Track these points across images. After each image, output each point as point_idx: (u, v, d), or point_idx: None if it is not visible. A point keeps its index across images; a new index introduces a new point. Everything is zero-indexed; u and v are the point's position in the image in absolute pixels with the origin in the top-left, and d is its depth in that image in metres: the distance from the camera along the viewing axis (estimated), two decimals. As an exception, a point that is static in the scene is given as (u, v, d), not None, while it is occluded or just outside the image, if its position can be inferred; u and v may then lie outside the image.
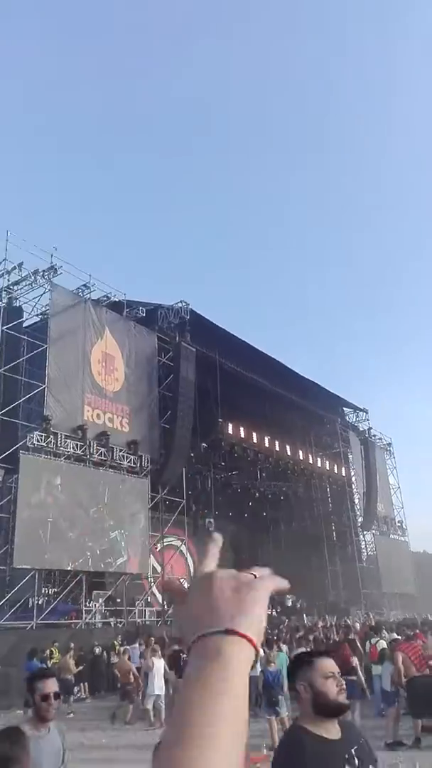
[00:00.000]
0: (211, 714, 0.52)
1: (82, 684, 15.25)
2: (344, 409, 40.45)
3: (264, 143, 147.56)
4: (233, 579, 0.64)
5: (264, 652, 10.77)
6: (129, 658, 15.42)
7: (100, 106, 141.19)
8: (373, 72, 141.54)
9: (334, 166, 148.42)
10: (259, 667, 10.83)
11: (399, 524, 41.38)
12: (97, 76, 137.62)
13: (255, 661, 0.59)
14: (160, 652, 12.67)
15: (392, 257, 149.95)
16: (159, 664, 12.01)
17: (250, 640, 0.58)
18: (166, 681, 12.91)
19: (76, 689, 14.78)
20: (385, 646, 11.34)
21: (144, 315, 24.71)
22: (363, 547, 38.60)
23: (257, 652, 0.59)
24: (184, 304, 26.15)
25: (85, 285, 22.39)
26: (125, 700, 12.09)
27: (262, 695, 9.71)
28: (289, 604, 30.16)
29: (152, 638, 14.52)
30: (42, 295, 21.28)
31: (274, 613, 27.88)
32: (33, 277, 21.21)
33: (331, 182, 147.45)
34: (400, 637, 12.82)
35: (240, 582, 0.64)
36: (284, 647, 12.34)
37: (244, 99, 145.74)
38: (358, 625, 19.96)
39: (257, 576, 0.67)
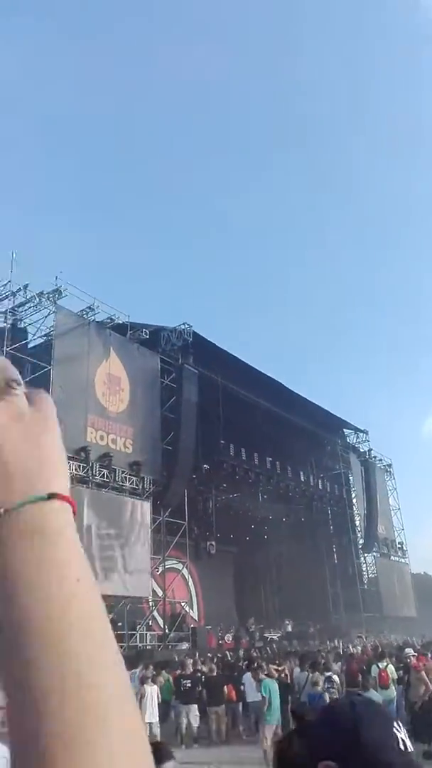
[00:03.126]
0: (81, 641, 0.39)
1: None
2: (345, 430, 40.49)
3: (269, 163, 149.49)
4: (12, 419, 0.47)
5: (308, 673, 10.81)
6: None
7: (107, 129, 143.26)
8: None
9: (343, 190, 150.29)
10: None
11: (399, 546, 41.16)
12: (99, 93, 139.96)
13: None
14: (151, 679, 12.47)
15: (394, 279, 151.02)
16: (151, 691, 11.87)
17: (72, 503, 0.45)
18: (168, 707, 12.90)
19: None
20: (393, 669, 11.38)
21: (147, 337, 24.92)
22: (364, 569, 38.39)
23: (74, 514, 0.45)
24: (186, 326, 26.38)
25: (89, 307, 22.63)
26: None
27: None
28: (290, 629, 29.90)
29: (149, 664, 14.37)
30: (47, 316, 21.54)
31: (275, 637, 27.65)
32: (38, 299, 21.46)
33: (340, 203, 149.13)
34: (414, 654, 12.82)
35: (25, 423, 0.47)
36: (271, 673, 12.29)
37: (250, 115, 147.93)
38: (359, 649, 19.87)
39: (31, 401, 0.50)
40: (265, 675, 11.71)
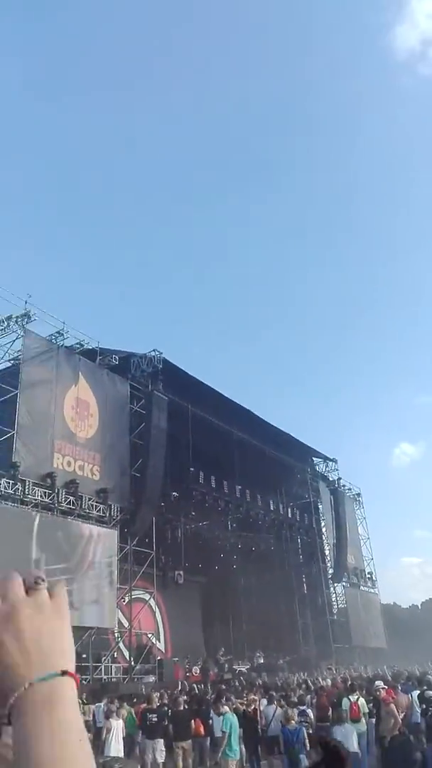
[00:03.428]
0: None
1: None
2: (314, 459, 40.71)
3: (239, 190, 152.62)
4: (35, 610, 0.60)
5: (282, 708, 10.67)
6: (92, 717, 14.81)
7: (83, 156, 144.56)
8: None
9: (304, 207, 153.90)
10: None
11: (369, 576, 41.16)
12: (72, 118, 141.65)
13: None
14: (116, 712, 12.13)
15: (362, 301, 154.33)
16: (116, 725, 11.50)
17: (76, 679, 0.57)
18: (134, 742, 12.45)
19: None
20: (364, 703, 11.23)
21: (117, 363, 24.84)
22: (334, 599, 38.20)
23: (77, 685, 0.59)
24: (156, 353, 26.39)
25: (58, 332, 22.51)
26: None
27: (284, 754, 9.36)
28: (261, 660, 29.41)
29: (111, 699, 13.95)
30: (15, 340, 21.30)
31: (244, 669, 27.13)
32: (6, 323, 21.24)
33: (308, 230, 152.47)
34: (384, 687, 12.69)
35: (44, 613, 0.61)
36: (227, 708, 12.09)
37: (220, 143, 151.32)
38: (329, 681, 19.58)
39: (50, 593, 0.64)
40: (227, 709, 11.48)
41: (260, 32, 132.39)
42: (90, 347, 23.80)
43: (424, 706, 11.05)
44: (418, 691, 12.36)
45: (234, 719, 11.17)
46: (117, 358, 24.98)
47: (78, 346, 23.35)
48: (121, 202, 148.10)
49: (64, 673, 0.56)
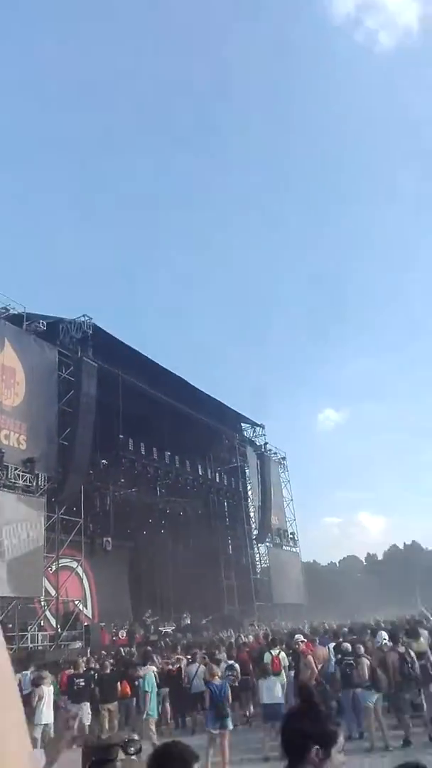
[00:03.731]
0: None
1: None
2: (242, 424, 41.58)
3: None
4: None
5: (206, 665, 11.11)
6: (19, 685, 14.93)
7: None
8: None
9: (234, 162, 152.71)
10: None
11: (291, 536, 42.96)
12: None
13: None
14: (48, 679, 12.34)
15: (285, 257, 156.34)
16: (48, 691, 11.70)
17: None
18: (58, 707, 12.67)
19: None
20: (284, 656, 11.93)
21: (45, 329, 24.11)
22: (257, 559, 39.71)
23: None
24: (86, 318, 25.83)
25: (-18, 296, 21.53)
26: None
27: (208, 709, 9.74)
28: (188, 621, 30.35)
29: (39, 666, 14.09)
30: None
31: (170, 630, 27.94)
32: None
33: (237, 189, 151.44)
34: (303, 641, 13.49)
35: None
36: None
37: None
38: (251, 638, 20.55)
39: None
40: (147, 670, 11.99)
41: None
42: (16, 312, 22.95)
43: (339, 656, 11.90)
44: (334, 643, 13.27)
45: (152, 679, 11.66)
46: (45, 323, 24.22)
47: (3, 311, 22.45)
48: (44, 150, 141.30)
49: None
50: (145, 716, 11.15)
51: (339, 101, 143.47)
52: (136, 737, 2.21)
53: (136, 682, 13.67)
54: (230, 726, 9.61)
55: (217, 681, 10.07)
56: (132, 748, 1.71)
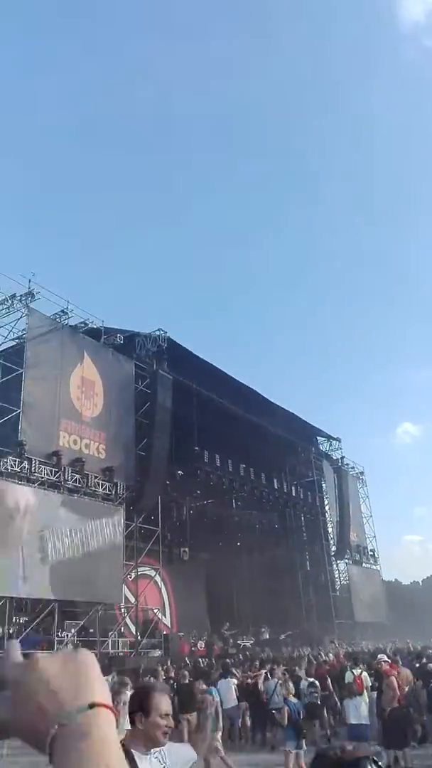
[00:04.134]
0: None
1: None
2: (318, 438, 40.82)
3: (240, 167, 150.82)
4: (55, 659, 0.62)
5: (284, 682, 10.84)
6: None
7: (79, 129, 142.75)
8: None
9: (323, 190, 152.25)
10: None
11: (371, 553, 41.54)
12: (73, 97, 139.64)
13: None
14: (129, 685, 12.35)
15: (367, 281, 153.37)
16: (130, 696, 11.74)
17: (112, 709, 0.59)
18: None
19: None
20: (366, 676, 11.41)
21: (122, 342, 24.80)
22: (336, 576, 38.62)
23: (116, 717, 0.60)
24: (161, 332, 26.34)
25: (62, 311, 22.42)
26: None
27: (286, 728, 9.48)
28: (267, 636, 29.88)
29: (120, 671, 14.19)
30: (19, 319, 21.28)
31: (248, 644, 27.59)
32: (10, 302, 21.20)
33: (314, 210, 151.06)
34: (386, 660, 12.89)
35: (63, 658, 0.62)
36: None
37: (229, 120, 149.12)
38: (331, 656, 19.90)
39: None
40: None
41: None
42: (94, 326, 23.75)
43: (423, 678, 11.27)
44: (418, 665, 12.59)
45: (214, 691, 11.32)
46: (122, 337, 24.94)
47: (82, 325, 23.30)
48: (120, 180, 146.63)
49: (92, 706, 0.57)
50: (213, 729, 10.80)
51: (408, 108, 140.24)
52: (379, 748, 2.16)
53: (214, 695, 13.54)
54: (304, 747, 9.25)
55: (293, 699, 9.77)
56: (381, 762, 1.58)
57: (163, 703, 2.39)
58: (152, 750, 2.35)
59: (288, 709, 9.51)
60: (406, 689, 11.42)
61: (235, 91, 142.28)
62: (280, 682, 12.38)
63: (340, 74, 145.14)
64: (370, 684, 11.74)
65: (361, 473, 43.51)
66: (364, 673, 11.72)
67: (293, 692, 10.25)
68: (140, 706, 2.39)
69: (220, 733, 10.27)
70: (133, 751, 2.24)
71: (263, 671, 14.70)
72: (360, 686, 11.13)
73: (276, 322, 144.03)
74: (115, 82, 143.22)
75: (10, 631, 17.69)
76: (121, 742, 2.10)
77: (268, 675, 13.92)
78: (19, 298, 21.04)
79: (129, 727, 8.41)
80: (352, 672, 11.58)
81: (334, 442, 41.62)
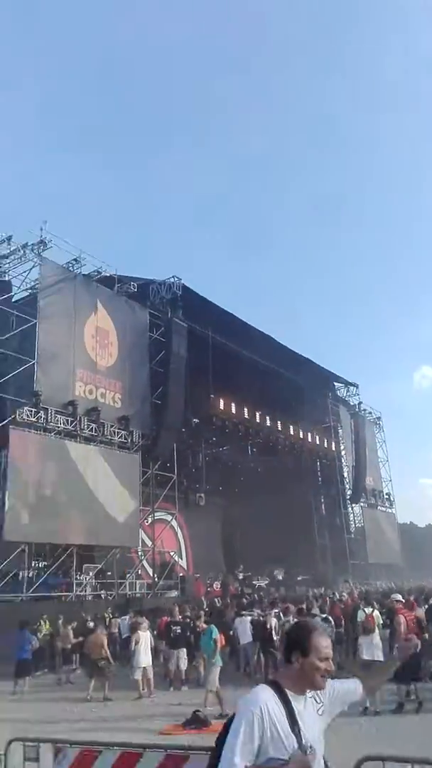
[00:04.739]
0: None
1: (74, 655, 15.54)
2: (335, 383, 40.63)
3: (260, 117, 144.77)
4: None
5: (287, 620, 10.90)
6: (118, 630, 15.77)
7: (93, 86, 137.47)
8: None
9: (339, 144, 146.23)
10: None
11: (387, 497, 42.01)
12: (92, 61, 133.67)
13: None
14: (145, 625, 12.82)
15: (389, 233, 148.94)
16: (145, 636, 12.16)
17: None
18: (157, 651, 13.21)
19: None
20: (378, 615, 11.65)
21: (135, 290, 24.53)
22: (351, 519, 39.24)
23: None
24: (176, 279, 25.95)
25: (75, 259, 22.17)
26: (97, 677, 11.60)
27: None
28: (281, 577, 30.72)
29: (138, 612, 14.66)
30: (31, 269, 21.08)
31: (263, 584, 28.42)
32: (22, 251, 20.93)
33: (332, 159, 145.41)
34: (401, 600, 13.14)
35: None
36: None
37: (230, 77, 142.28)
38: (345, 595, 20.43)
39: None
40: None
41: None
42: (108, 275, 23.47)
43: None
44: (426, 606, 12.83)
45: (216, 630, 11.34)
46: (135, 285, 24.63)
47: (96, 273, 23.03)
48: (133, 125, 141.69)
49: None
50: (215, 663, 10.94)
51: None
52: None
53: (231, 632, 14.01)
54: None
55: None
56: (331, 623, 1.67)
57: (324, 643, 2.20)
58: (308, 691, 2.20)
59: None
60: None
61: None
62: (280, 623, 12.67)
63: None
64: (382, 622, 12.02)
65: (378, 418, 43.52)
66: (376, 612, 11.95)
67: None
68: (299, 645, 2.20)
69: (218, 668, 10.43)
70: (287, 691, 2.11)
71: (275, 610, 15.15)
72: (372, 624, 11.39)
73: (295, 269, 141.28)
74: None
75: (30, 575, 18.36)
76: (274, 680, 2.09)
77: (280, 614, 14.34)
78: (31, 247, 20.77)
79: (144, 664, 8.56)
80: (364, 611, 11.82)
81: (351, 387, 41.46)
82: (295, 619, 11.47)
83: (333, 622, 13.38)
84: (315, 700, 2.19)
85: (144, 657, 11.74)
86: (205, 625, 11.15)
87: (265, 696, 2.05)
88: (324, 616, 13.68)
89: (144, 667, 11.62)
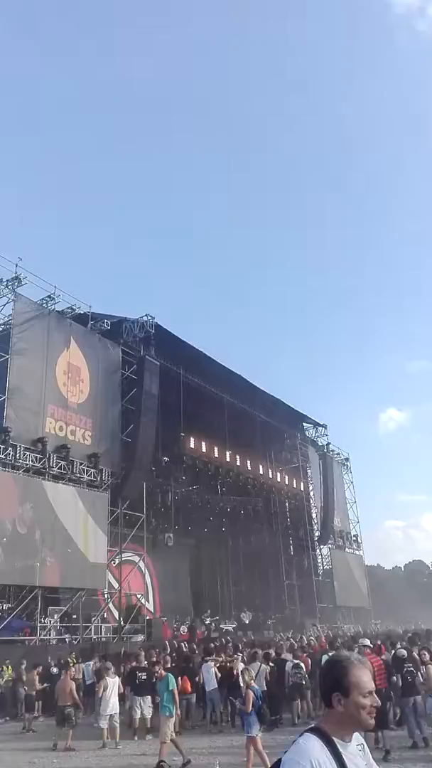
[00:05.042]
0: None
1: (37, 702, 14.95)
2: (304, 424, 41.08)
3: (239, 166, 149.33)
4: None
5: (246, 668, 10.59)
6: (82, 675, 15.28)
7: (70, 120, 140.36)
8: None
9: (300, 186, 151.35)
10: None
11: (354, 538, 42.12)
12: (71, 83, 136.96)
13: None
14: (113, 670, 12.54)
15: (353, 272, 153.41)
16: (113, 682, 11.87)
17: None
18: (123, 698, 12.84)
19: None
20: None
21: (109, 328, 24.64)
22: (320, 561, 39.16)
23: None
24: (149, 317, 26.16)
25: (49, 296, 22.23)
26: (65, 725, 11.22)
27: (248, 714, 8.83)
28: (247, 621, 30.26)
29: (104, 657, 14.30)
30: (5, 305, 21.04)
31: (231, 628, 27.95)
32: (-4, 287, 20.93)
33: (306, 192, 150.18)
34: (369, 645, 13.11)
35: None
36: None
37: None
38: (313, 639, 20.26)
39: None
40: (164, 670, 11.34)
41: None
42: (81, 312, 23.59)
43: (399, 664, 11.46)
44: (393, 651, 12.84)
45: (173, 678, 10.87)
46: (109, 322, 24.77)
47: (69, 310, 23.13)
48: (112, 161, 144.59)
49: None
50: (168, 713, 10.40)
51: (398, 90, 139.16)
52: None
53: (198, 679, 13.73)
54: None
55: (254, 685, 9.52)
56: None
57: (365, 678, 1.98)
58: (355, 736, 2.00)
59: (254, 695, 9.24)
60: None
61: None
62: (241, 669, 12.44)
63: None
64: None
65: (347, 459, 43.97)
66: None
67: (254, 678, 10.15)
68: (338, 685, 1.96)
69: (173, 719, 9.93)
70: (335, 739, 1.90)
71: (239, 655, 14.93)
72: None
73: (262, 310, 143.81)
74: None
75: (-6, 618, 17.77)
76: (319, 728, 1.89)
77: (244, 659, 14.14)
78: (5, 283, 20.81)
79: (112, 712, 8.27)
80: (328, 655, 11.80)
81: (320, 428, 41.94)
82: (328, 655, 11.33)
83: (304, 669, 13.29)
84: (363, 752, 2.00)
85: (112, 704, 11.44)
86: (164, 672, 10.73)
87: (312, 746, 1.85)
88: (296, 662, 13.58)
89: (111, 715, 11.31)
